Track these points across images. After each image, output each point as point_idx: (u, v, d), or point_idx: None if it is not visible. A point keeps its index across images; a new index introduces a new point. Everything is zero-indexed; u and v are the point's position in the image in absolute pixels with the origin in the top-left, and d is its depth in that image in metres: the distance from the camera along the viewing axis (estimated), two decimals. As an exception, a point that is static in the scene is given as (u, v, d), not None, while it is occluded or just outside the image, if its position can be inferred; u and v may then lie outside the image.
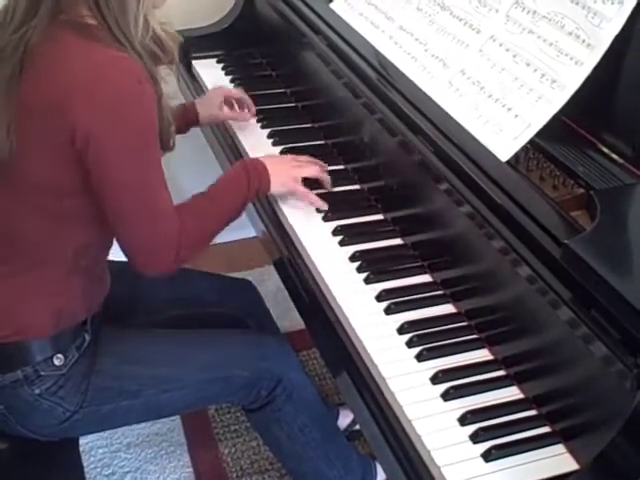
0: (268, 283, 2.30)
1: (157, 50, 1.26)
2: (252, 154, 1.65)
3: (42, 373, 1.31)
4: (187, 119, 1.70)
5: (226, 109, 1.74)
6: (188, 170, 2.16)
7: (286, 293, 1.47)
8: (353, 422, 1.96)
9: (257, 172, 1.45)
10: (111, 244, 1.41)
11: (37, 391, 1.31)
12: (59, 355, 1.32)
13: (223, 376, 1.45)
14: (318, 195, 1.49)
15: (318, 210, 1.48)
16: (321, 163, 1.55)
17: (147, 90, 1.20)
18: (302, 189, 1.48)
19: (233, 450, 1.97)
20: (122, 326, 1.49)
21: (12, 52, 1.19)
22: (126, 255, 1.31)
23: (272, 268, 2.44)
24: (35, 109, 1.18)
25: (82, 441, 1.52)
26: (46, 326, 1.31)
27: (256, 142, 1.71)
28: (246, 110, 1.76)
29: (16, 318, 1.30)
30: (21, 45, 1.18)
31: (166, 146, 1.34)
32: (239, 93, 1.78)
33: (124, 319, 1.53)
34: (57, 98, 1.16)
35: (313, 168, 1.51)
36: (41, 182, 1.24)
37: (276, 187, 1.47)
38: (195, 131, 1.95)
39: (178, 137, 1.99)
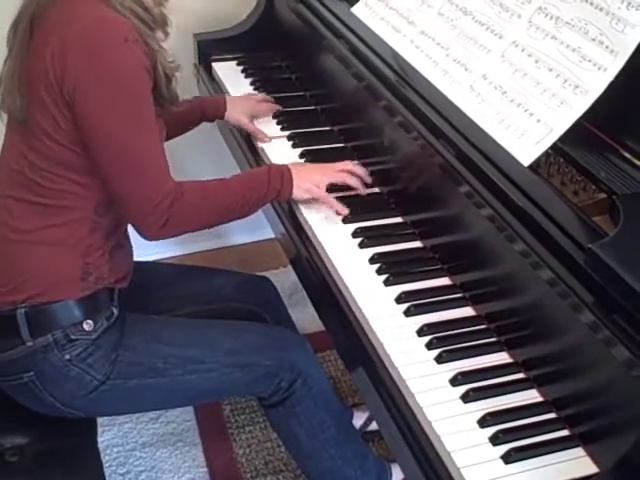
0: (283, 285, 2.30)
1: (139, 10, 1.30)
2: (271, 156, 1.67)
3: (72, 337, 1.35)
4: (215, 112, 1.77)
5: (252, 123, 1.78)
6: (206, 171, 2.18)
7: (300, 296, 1.48)
8: (365, 424, 1.96)
9: (280, 174, 1.47)
10: None
11: (67, 356, 1.35)
12: (89, 321, 1.37)
13: (246, 363, 1.48)
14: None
15: (338, 212, 1.49)
16: (355, 170, 1.54)
17: (134, 49, 1.27)
18: (324, 194, 1.49)
19: (248, 450, 1.97)
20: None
21: (24, 16, 1.32)
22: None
23: (287, 270, 2.48)
24: (40, 56, 1.26)
25: (98, 439, 1.53)
26: (74, 284, 1.36)
27: (276, 144, 1.72)
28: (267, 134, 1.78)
29: (47, 275, 1.35)
30: (32, 7, 1.30)
31: (168, 101, 1.39)
32: (265, 107, 1.82)
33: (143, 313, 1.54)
34: (55, 50, 1.24)
35: (339, 174, 1.52)
36: (50, 131, 1.30)
37: (299, 193, 1.49)
38: (214, 132, 1.98)
39: (196, 137, 2.02)
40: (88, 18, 1.26)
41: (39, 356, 1.35)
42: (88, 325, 1.36)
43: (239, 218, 1.48)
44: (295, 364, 1.50)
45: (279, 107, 1.84)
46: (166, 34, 1.38)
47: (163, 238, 1.40)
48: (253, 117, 1.79)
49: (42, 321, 1.35)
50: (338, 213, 1.48)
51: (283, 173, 1.48)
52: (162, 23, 1.36)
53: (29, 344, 1.34)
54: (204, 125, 1.82)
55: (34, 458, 1.38)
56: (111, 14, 1.27)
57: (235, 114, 1.77)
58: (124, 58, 1.26)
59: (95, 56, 1.25)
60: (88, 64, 1.25)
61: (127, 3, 1.29)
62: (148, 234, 1.38)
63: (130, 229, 1.46)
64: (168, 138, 1.59)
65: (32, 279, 1.35)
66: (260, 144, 1.73)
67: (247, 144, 1.77)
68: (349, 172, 1.53)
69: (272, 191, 1.46)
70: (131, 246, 1.51)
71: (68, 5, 1.29)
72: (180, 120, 1.70)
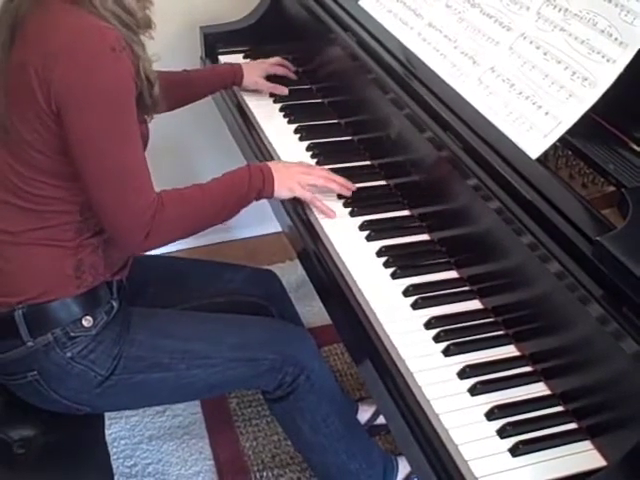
0: (290, 279, 2.31)
1: (123, 14, 1.27)
2: (279, 149, 1.67)
3: (72, 334, 1.35)
4: (233, 78, 1.84)
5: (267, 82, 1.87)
6: (211, 166, 2.18)
7: (307, 289, 1.47)
8: (372, 418, 1.96)
9: (261, 174, 1.45)
10: None
11: (69, 354, 1.35)
12: (87, 317, 1.36)
13: (250, 357, 1.48)
14: None
15: (345, 205, 1.49)
16: (335, 179, 1.50)
17: (121, 58, 1.23)
18: (310, 195, 1.47)
19: (254, 444, 1.97)
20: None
21: (7, 19, 1.28)
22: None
23: (293, 264, 2.48)
24: (22, 71, 1.23)
25: (105, 432, 1.53)
26: (69, 282, 1.35)
27: (283, 137, 1.72)
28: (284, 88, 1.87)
29: (40, 276, 1.34)
30: (14, 12, 1.27)
31: (151, 107, 1.36)
32: (280, 70, 1.91)
33: (149, 307, 1.54)
34: (38, 60, 1.21)
35: (321, 177, 1.48)
36: (32, 141, 1.28)
37: (281, 192, 1.47)
38: (220, 125, 1.98)
39: (200, 133, 2.02)
40: (71, 29, 1.22)
41: (41, 355, 1.34)
42: (87, 321, 1.36)
43: (223, 221, 1.45)
44: (298, 359, 1.50)
45: (292, 74, 1.92)
46: (150, 37, 1.34)
47: (146, 250, 1.40)
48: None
49: (41, 321, 1.34)
50: (345, 205, 1.47)
51: (263, 172, 1.45)
52: (146, 26, 1.33)
53: (30, 344, 1.34)
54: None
55: (41, 450, 1.37)
56: (94, 22, 1.23)
57: (252, 77, 1.84)
58: (112, 70, 1.22)
59: (83, 70, 1.21)
60: (76, 79, 1.21)
61: (110, 6, 1.25)
62: (131, 246, 1.38)
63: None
64: (170, 107, 1.61)
65: (26, 281, 1.35)
66: (266, 133, 1.72)
67: (252, 135, 1.77)
68: (331, 178, 1.49)
69: (253, 190, 1.44)
70: None
71: (48, 14, 1.24)
72: (192, 85, 1.76)
